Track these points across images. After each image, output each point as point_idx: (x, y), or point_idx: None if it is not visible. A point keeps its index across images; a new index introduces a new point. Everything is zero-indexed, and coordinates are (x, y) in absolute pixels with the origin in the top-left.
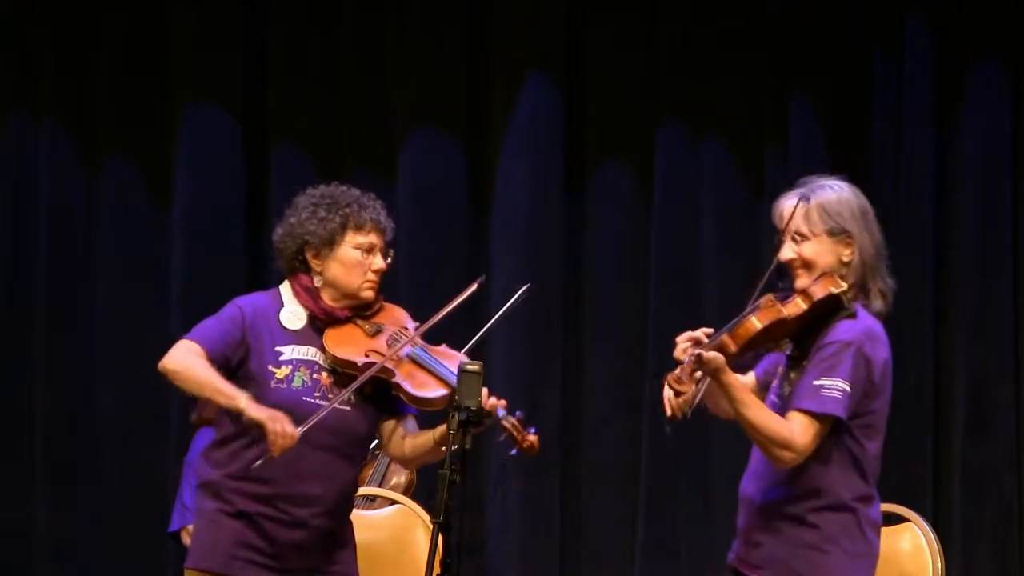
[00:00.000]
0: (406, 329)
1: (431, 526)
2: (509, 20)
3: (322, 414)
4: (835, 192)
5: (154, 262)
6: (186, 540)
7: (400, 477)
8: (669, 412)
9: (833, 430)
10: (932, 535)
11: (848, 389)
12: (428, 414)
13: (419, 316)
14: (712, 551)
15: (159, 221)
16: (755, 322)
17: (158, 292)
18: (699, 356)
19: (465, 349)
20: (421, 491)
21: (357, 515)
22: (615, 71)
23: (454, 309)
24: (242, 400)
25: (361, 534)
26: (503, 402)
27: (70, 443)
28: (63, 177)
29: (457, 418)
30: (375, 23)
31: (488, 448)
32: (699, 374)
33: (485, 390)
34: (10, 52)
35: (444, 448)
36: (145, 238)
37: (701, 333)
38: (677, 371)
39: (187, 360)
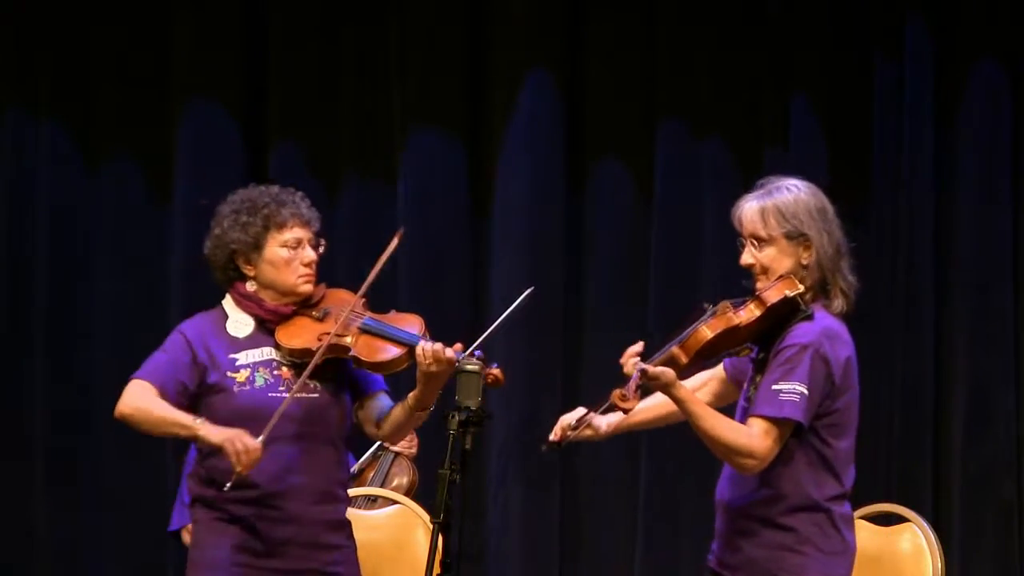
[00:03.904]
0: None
1: (431, 526)
2: (509, 20)
3: (280, 412)
4: (792, 193)
5: (154, 262)
6: (186, 539)
7: (402, 478)
8: (555, 436)
9: (798, 432)
10: (932, 535)
11: (806, 392)
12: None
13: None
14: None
15: (159, 221)
16: (705, 331)
17: (158, 292)
18: (644, 371)
19: (469, 351)
20: (422, 492)
21: (357, 515)
22: (615, 70)
23: (386, 264)
24: (198, 427)
25: (361, 534)
26: (458, 345)
27: (70, 443)
28: (63, 177)
29: (457, 418)
30: (375, 23)
31: (488, 449)
32: (639, 392)
33: (428, 345)
34: (10, 52)
35: (421, 412)
36: (145, 238)
37: (641, 346)
38: (623, 388)
39: (140, 401)
